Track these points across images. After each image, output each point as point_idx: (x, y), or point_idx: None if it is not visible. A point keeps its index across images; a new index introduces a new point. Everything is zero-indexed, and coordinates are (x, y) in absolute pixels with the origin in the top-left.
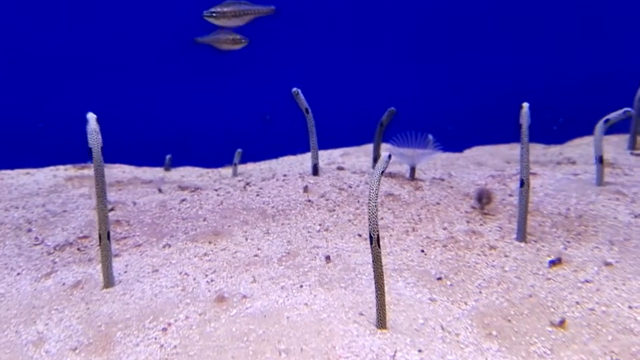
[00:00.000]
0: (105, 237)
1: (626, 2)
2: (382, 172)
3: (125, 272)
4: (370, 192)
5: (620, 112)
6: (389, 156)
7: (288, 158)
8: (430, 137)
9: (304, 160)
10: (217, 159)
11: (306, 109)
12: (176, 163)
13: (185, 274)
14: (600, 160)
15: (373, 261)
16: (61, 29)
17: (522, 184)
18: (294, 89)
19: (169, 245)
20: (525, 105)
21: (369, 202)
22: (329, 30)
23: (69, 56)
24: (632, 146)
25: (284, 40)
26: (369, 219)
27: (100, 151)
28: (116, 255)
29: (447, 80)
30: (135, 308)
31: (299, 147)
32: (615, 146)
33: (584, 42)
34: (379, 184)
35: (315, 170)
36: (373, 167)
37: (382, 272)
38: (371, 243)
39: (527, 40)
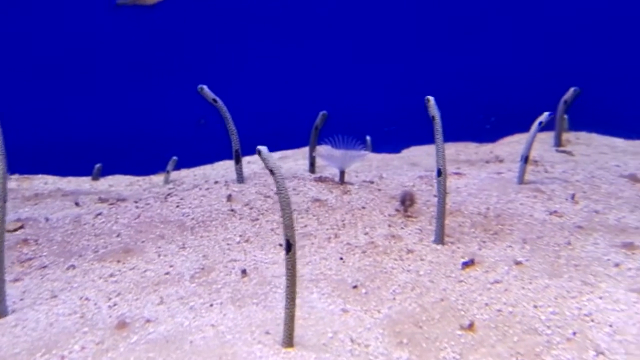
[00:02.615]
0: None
1: (555, 4)
2: (283, 179)
3: (22, 299)
4: (280, 200)
5: (545, 115)
6: (258, 150)
7: (224, 163)
8: (369, 138)
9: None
10: (150, 165)
11: (214, 99)
12: (108, 171)
13: (86, 298)
14: (525, 159)
15: (287, 272)
16: None
17: (439, 173)
18: (199, 86)
19: (74, 267)
20: (431, 98)
21: (282, 210)
22: (265, 34)
23: None
24: (557, 143)
25: (219, 43)
26: (284, 227)
27: None
28: (16, 280)
29: (384, 81)
30: (27, 341)
31: None
32: (542, 143)
33: (515, 43)
34: (286, 191)
35: (238, 157)
36: (309, 170)
37: (295, 289)
38: (287, 251)
39: (461, 42)
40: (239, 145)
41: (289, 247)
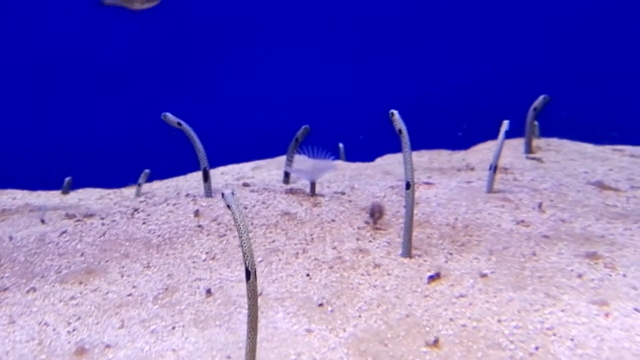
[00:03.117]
0: None
1: (522, 14)
2: (232, 210)
3: None
4: (238, 226)
5: (506, 124)
6: (222, 194)
7: (197, 174)
8: (341, 145)
9: (214, 176)
10: (122, 178)
11: (178, 123)
12: (79, 184)
13: (45, 323)
14: (494, 169)
15: (248, 301)
16: None
17: (407, 186)
18: (162, 114)
19: (34, 289)
20: (395, 112)
21: (240, 236)
22: (241, 43)
23: None
24: (528, 150)
25: (194, 53)
26: (243, 254)
27: None
28: None
29: (358, 89)
30: None
31: (209, 162)
32: (513, 150)
33: (486, 51)
34: (245, 222)
35: (206, 176)
36: (283, 181)
37: (257, 318)
38: (247, 278)
39: (433, 51)
40: (206, 163)
41: (249, 275)
